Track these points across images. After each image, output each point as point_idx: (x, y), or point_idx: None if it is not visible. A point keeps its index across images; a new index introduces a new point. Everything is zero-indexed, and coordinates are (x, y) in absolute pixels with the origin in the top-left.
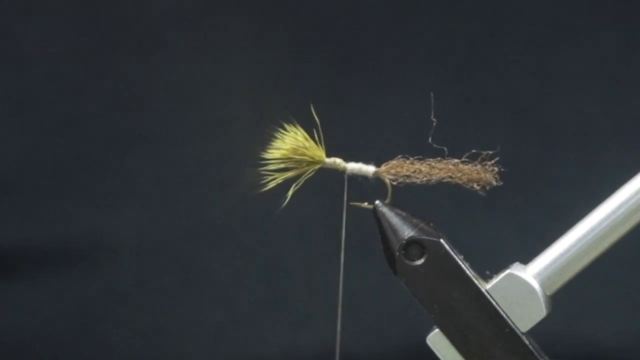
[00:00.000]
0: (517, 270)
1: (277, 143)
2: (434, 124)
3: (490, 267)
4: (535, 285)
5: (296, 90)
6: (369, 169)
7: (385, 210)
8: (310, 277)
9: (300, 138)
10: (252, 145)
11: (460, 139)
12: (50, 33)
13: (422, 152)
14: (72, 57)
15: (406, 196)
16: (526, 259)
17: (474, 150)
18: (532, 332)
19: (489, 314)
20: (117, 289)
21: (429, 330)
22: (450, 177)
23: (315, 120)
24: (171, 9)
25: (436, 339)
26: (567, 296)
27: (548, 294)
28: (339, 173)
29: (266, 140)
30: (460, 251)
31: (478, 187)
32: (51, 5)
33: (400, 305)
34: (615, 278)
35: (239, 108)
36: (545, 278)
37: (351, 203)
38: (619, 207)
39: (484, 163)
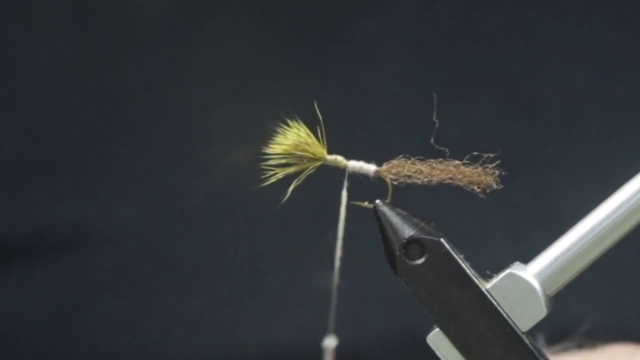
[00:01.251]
0: (517, 269)
1: (279, 138)
2: (436, 125)
3: (477, 251)
4: (536, 284)
5: (294, 87)
6: (370, 168)
7: (385, 209)
8: (291, 266)
9: (302, 134)
10: (237, 134)
11: (446, 119)
12: (35, 29)
13: (412, 142)
14: (57, 50)
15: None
16: (512, 241)
17: (475, 153)
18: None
19: (489, 314)
20: (97, 278)
21: (426, 328)
22: (451, 178)
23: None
24: (157, 5)
25: (436, 339)
26: None
27: (548, 293)
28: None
29: (251, 129)
30: (445, 234)
31: (478, 190)
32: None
33: (395, 304)
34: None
35: (223, 96)
36: (545, 278)
37: (352, 202)
38: (619, 207)
39: (485, 166)
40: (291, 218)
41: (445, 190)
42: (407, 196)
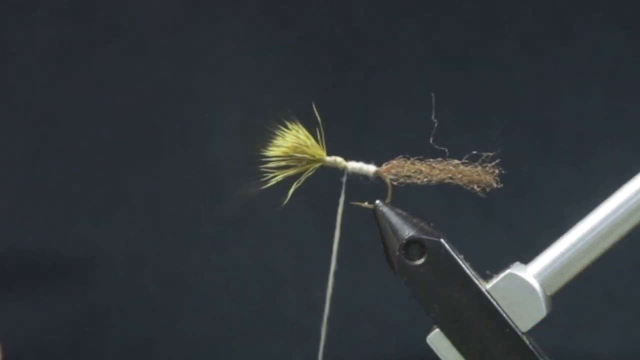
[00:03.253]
0: (517, 270)
1: (278, 140)
2: (435, 124)
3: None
4: (536, 285)
5: (295, 92)
6: (370, 169)
7: (385, 210)
8: (305, 291)
9: (301, 136)
10: (246, 156)
11: (456, 143)
12: (39, 36)
13: (422, 153)
14: (63, 67)
15: (401, 197)
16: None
17: (474, 152)
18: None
19: (489, 314)
20: (108, 302)
21: (426, 335)
22: (451, 178)
23: (316, 120)
24: (164, 12)
25: (436, 339)
26: (564, 311)
27: (548, 294)
28: (336, 181)
29: (261, 150)
30: (445, 235)
31: (478, 189)
32: (42, 6)
33: (397, 313)
34: (613, 290)
35: (232, 117)
36: (545, 278)
37: (352, 203)
38: (619, 207)
39: (484, 165)
40: (305, 243)
41: (447, 201)
42: (408, 197)
